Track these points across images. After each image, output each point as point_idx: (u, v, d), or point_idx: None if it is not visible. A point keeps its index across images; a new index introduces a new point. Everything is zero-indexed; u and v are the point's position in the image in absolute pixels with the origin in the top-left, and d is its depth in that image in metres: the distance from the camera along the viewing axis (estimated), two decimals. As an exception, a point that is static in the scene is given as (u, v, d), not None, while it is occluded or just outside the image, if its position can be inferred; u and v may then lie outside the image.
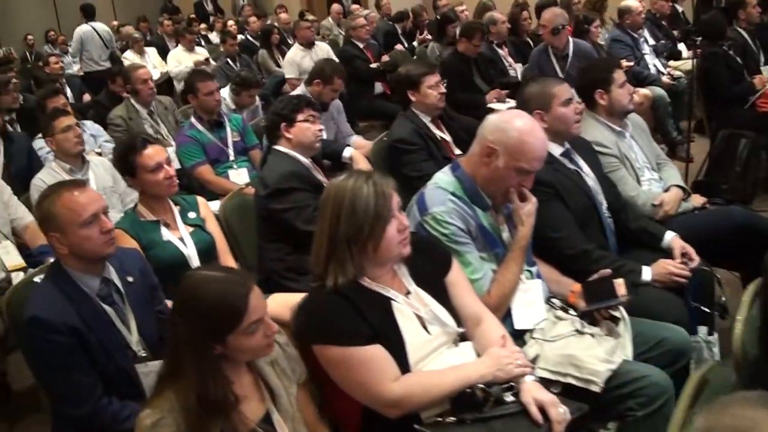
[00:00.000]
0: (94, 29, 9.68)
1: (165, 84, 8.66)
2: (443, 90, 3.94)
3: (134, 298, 2.40)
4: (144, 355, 2.38)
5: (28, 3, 13.32)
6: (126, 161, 2.85)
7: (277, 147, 3.25)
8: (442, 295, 2.15)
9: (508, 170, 2.39)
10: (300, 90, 4.71)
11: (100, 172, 3.92)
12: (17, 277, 3.42)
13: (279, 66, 8.58)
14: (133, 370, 2.34)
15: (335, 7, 10.88)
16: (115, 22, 13.44)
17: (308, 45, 7.54)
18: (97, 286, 2.32)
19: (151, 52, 9.60)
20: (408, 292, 2.09)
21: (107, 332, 2.30)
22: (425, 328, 2.06)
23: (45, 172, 3.81)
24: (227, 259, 3.04)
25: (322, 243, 1.98)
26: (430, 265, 2.16)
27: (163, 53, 10.04)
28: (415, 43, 8.76)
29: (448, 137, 4.02)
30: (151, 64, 9.45)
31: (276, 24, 9.61)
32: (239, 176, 4.35)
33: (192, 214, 3.00)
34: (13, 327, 2.73)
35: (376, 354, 1.92)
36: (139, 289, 2.44)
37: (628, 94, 3.49)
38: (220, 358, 1.70)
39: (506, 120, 2.42)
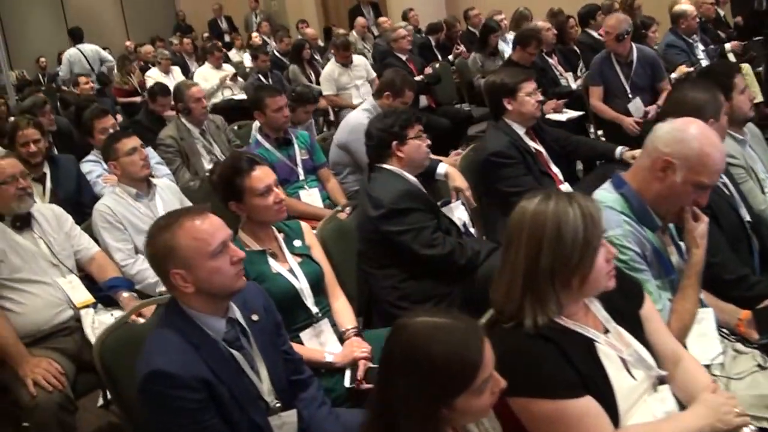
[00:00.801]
0: (81, 52, 9.80)
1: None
2: (540, 98, 3.67)
3: (261, 340, 2.11)
4: (278, 405, 2.08)
5: (40, 25, 13.06)
6: (232, 185, 2.54)
7: (384, 166, 2.96)
8: (639, 332, 1.85)
9: (685, 186, 2.11)
10: (369, 104, 4.41)
11: (168, 196, 3.62)
12: (86, 315, 3.13)
13: (310, 81, 8.34)
14: (266, 424, 2.04)
15: (360, 20, 10.61)
16: (129, 42, 13.25)
17: (345, 63, 7.30)
18: (223, 329, 2.02)
19: (176, 70, 9.34)
20: (606, 331, 1.79)
21: (238, 382, 2.00)
22: (629, 372, 1.77)
23: (109, 198, 3.49)
24: (336, 292, 2.74)
25: (516, 276, 1.68)
26: (623, 298, 1.86)
27: (184, 72, 9.83)
28: (450, 57, 8.49)
29: (542, 149, 3.73)
30: (175, 82, 9.20)
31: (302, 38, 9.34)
32: (311, 197, 4.07)
33: (297, 242, 2.70)
34: (106, 375, 2.42)
35: (591, 407, 1.62)
36: (265, 329, 2.14)
37: (748, 100, 3.22)
38: (444, 423, 1.40)
39: (681, 129, 2.13)
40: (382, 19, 9.74)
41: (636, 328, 1.84)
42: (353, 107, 7.17)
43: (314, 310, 2.57)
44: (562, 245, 1.63)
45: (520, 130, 3.64)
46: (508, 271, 1.70)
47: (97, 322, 3.11)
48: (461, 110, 7.20)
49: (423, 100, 6.90)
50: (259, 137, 4.10)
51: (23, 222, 3.09)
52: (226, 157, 2.61)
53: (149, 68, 10.13)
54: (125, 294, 3.18)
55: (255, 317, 2.11)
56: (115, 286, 3.22)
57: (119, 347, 2.37)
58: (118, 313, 3.13)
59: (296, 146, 4.13)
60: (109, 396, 3.14)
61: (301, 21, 11.65)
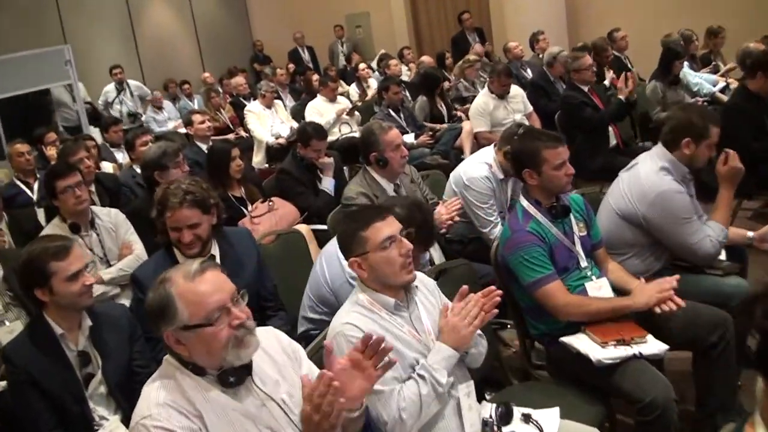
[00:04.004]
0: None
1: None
2: None
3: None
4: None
5: (111, 56, 11.98)
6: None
7: None
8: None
9: None
10: (665, 159, 3.09)
11: (427, 298, 2.37)
12: None
13: (442, 115, 7.13)
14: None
15: (478, 47, 9.43)
16: (207, 74, 12.20)
17: (502, 94, 6.08)
18: None
19: (279, 104, 8.19)
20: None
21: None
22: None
23: (354, 313, 2.20)
24: None
25: None
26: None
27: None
28: (606, 82, 7.19)
29: None
30: (279, 118, 8.07)
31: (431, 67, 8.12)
32: (600, 290, 2.78)
33: None
34: None
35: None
36: None
37: None
38: None
39: None
40: (512, 44, 8.48)
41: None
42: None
43: None
44: None
45: None
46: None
47: None
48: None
49: (612, 138, 5.61)
50: (525, 203, 2.82)
51: (241, 375, 1.84)
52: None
53: (240, 102, 9.07)
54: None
55: None
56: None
57: None
58: None
59: (572, 217, 2.85)
60: None
61: (405, 48, 10.46)
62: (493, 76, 6.10)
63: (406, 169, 3.82)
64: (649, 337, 2.61)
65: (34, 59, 8.24)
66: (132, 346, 2.56)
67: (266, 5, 14.41)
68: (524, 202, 2.83)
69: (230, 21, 14.46)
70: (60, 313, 2.46)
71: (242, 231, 3.15)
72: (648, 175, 3.06)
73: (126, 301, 3.57)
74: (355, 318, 2.19)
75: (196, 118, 5.63)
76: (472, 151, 6.43)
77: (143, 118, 9.94)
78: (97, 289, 3.50)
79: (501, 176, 3.84)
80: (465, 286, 2.27)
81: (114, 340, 2.53)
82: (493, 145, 3.92)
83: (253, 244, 3.06)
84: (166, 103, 10.38)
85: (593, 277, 2.80)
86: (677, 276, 2.70)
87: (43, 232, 3.59)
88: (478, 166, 3.84)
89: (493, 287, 2.25)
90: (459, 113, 7.26)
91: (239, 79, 9.55)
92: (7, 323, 3.25)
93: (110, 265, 3.64)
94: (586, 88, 5.61)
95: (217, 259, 2.88)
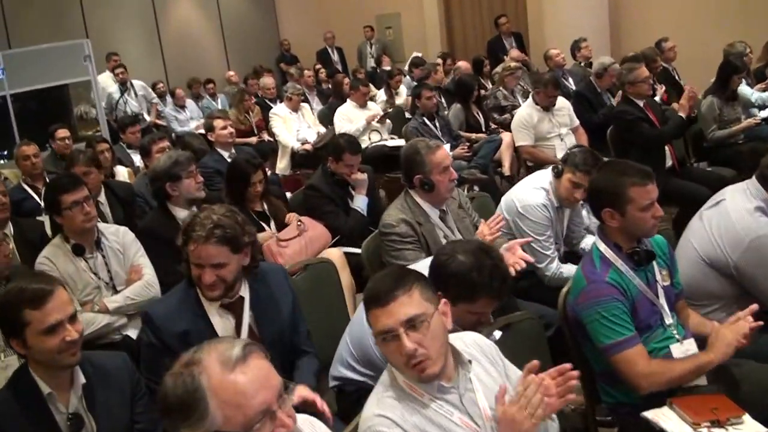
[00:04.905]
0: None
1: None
2: None
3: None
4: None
5: (135, 55, 11.59)
6: None
7: None
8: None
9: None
10: (761, 196, 2.62)
11: (487, 378, 1.93)
12: None
13: (478, 124, 6.69)
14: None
15: (514, 53, 8.97)
16: (232, 73, 11.88)
17: (548, 106, 5.63)
18: None
19: (305, 108, 7.80)
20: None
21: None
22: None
23: (388, 399, 1.78)
24: None
25: None
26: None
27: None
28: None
29: None
30: (305, 122, 7.68)
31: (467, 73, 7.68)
32: (687, 353, 2.34)
33: None
34: None
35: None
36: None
37: None
38: None
39: None
40: (554, 51, 8.00)
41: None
42: (554, 163, 5.52)
43: None
44: None
45: None
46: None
47: None
48: (707, 172, 5.44)
49: (667, 158, 5.14)
50: (602, 247, 2.37)
51: None
52: None
53: (265, 103, 8.66)
54: None
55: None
56: None
57: None
58: None
59: (655, 264, 2.41)
60: None
61: (446, 54, 9.96)
62: (539, 86, 5.65)
63: (454, 193, 3.37)
64: (746, 417, 2.17)
65: (52, 53, 7.89)
66: (133, 405, 2.15)
67: (295, 3, 14.03)
68: (601, 246, 2.39)
69: (257, 18, 14.08)
70: (44, 368, 2.06)
71: (276, 268, 2.70)
72: (741, 217, 2.59)
73: (134, 332, 3.19)
74: (389, 407, 1.77)
75: (218, 123, 5.17)
76: (512, 166, 6.05)
77: (147, 118, 9.50)
78: (102, 320, 3.14)
79: (557, 203, 3.41)
80: (535, 362, 1.82)
81: (112, 400, 2.12)
82: (551, 168, 3.48)
83: (287, 283, 2.62)
84: (189, 102, 10.03)
85: (677, 336, 2.36)
86: (753, 306, 2.30)
87: (42, 254, 3.19)
88: (533, 192, 3.39)
89: (568, 365, 1.80)
90: (494, 126, 6.84)
91: (268, 81, 9.09)
92: (3, 357, 2.87)
93: (117, 291, 3.24)
94: (641, 103, 5.14)
95: (247, 302, 2.45)
